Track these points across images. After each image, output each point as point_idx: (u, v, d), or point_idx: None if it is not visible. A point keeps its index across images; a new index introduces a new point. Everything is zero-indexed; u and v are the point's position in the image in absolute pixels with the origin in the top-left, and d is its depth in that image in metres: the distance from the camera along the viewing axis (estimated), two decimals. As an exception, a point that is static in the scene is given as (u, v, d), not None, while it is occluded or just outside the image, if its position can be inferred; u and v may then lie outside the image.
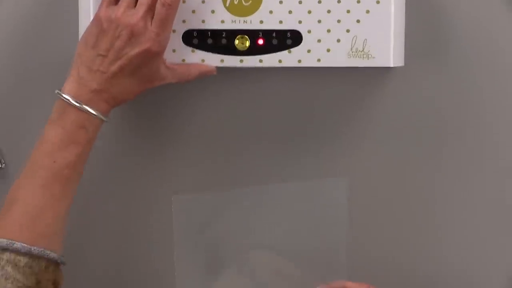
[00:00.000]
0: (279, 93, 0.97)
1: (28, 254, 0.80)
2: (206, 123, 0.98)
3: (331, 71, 0.93)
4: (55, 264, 0.83)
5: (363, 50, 0.90)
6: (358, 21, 0.90)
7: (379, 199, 0.98)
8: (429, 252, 0.99)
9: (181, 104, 0.97)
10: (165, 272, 0.97)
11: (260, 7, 0.90)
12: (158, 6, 0.85)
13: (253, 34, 0.90)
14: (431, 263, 0.99)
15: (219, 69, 0.91)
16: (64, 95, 0.84)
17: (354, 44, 0.90)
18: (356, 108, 0.97)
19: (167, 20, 0.86)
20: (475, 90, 0.96)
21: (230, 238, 0.95)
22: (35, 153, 0.84)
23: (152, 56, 0.86)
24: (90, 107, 0.85)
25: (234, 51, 0.91)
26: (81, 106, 0.84)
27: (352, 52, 0.90)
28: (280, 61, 0.91)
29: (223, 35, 0.90)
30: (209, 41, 0.91)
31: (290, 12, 0.90)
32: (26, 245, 0.80)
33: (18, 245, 0.80)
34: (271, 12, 0.90)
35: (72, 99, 0.84)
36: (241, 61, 0.91)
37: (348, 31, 0.90)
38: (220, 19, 0.90)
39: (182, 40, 0.90)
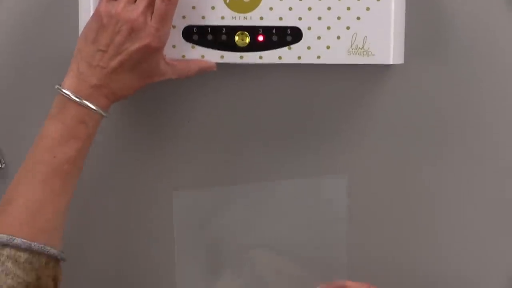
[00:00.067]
0: (279, 90, 0.97)
1: (28, 250, 0.80)
2: (206, 119, 0.98)
3: (331, 68, 0.93)
4: (55, 260, 0.83)
5: (363, 47, 0.90)
6: (358, 18, 0.90)
7: (379, 196, 0.98)
8: (429, 252, 0.99)
9: (181, 100, 0.97)
10: (165, 268, 0.97)
11: (260, 4, 0.90)
12: (158, 1, 0.85)
13: (253, 31, 0.90)
14: (431, 262, 0.99)
15: (219, 65, 0.91)
16: (64, 90, 0.84)
17: (354, 41, 0.90)
18: (355, 105, 0.97)
19: (167, 15, 0.86)
20: (475, 88, 0.96)
21: (230, 235, 0.96)
22: (35, 149, 0.84)
23: (152, 51, 0.86)
24: (90, 102, 0.85)
25: (234, 47, 0.91)
26: (81, 101, 0.84)
27: (352, 49, 0.90)
28: (280, 57, 0.91)
29: (223, 31, 0.90)
30: (209, 37, 0.90)
31: (290, 8, 0.90)
32: (26, 240, 0.80)
33: (18, 240, 0.80)
34: (271, 8, 0.90)
35: (72, 94, 0.84)
36: (241, 57, 0.91)
37: (348, 28, 0.90)
38: (220, 15, 0.90)
39: (182, 36, 0.90)
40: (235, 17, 0.90)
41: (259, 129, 0.98)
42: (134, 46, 0.85)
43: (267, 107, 0.97)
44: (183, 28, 0.90)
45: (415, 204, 0.98)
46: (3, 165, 0.99)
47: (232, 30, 0.90)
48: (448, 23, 0.95)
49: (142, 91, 0.89)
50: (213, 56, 0.91)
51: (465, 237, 0.98)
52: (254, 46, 0.91)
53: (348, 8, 0.90)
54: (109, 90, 0.86)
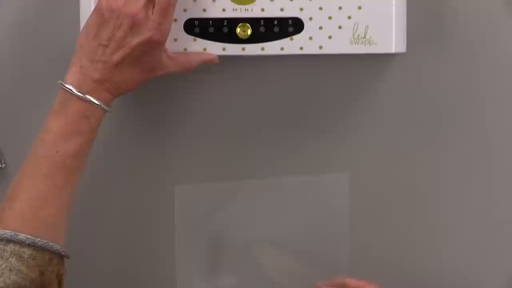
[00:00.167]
0: (282, 81, 0.97)
1: (32, 245, 0.80)
2: (209, 112, 0.98)
3: (333, 58, 0.93)
4: (59, 256, 0.83)
5: (365, 36, 0.90)
6: (359, 7, 0.90)
7: (381, 191, 0.98)
8: (429, 251, 0.99)
9: (183, 93, 0.97)
10: (166, 262, 0.97)
11: (261, -5, 0.91)
12: (159, -5, 0.85)
13: (254, 22, 0.90)
14: (431, 262, 0.99)
15: (221, 57, 0.91)
16: (66, 85, 0.84)
17: (356, 30, 0.90)
18: (358, 94, 0.97)
19: (168, 9, 0.86)
20: (478, 76, 0.96)
21: (231, 231, 0.95)
22: (38, 144, 0.84)
23: (154, 45, 0.86)
24: (93, 97, 0.85)
25: (236, 39, 0.90)
26: (84, 96, 0.84)
27: (354, 38, 0.90)
28: (282, 48, 0.91)
29: (225, 24, 0.90)
30: (211, 29, 0.90)
31: (291, -1, 0.91)
32: (30, 236, 0.80)
33: (22, 236, 0.80)
34: (272, -1, 0.91)
35: (75, 89, 0.84)
36: (243, 49, 0.91)
37: (349, 17, 0.90)
38: (221, 8, 0.90)
39: (184, 29, 0.90)
40: (236, 9, 0.90)
41: (262, 121, 0.98)
42: (136, 40, 0.85)
43: (270, 98, 0.97)
44: (184, 21, 0.90)
45: (417, 200, 0.98)
46: (3, 165, 0.99)
47: (234, 22, 0.90)
48: (450, 10, 0.95)
49: (145, 85, 0.89)
50: (215, 48, 0.91)
51: (465, 236, 0.98)
52: (255, 38, 0.90)
53: (349, -3, 0.90)
54: (112, 85, 0.86)
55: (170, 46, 0.89)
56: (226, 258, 0.95)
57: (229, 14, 0.90)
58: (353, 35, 0.90)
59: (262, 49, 0.91)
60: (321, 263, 0.95)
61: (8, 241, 0.80)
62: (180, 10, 0.90)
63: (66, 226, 0.85)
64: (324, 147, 0.98)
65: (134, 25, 0.84)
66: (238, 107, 0.98)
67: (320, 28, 0.90)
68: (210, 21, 0.90)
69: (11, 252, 0.80)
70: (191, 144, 0.98)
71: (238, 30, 0.90)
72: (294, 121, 0.97)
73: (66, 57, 0.86)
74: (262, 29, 0.90)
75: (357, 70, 0.96)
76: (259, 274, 0.95)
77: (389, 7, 0.90)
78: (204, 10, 0.90)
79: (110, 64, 0.85)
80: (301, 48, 0.91)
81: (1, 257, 0.79)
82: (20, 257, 0.80)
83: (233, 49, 0.91)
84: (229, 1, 0.90)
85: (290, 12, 0.90)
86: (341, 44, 0.90)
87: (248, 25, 0.90)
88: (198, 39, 0.91)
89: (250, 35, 0.90)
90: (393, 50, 0.91)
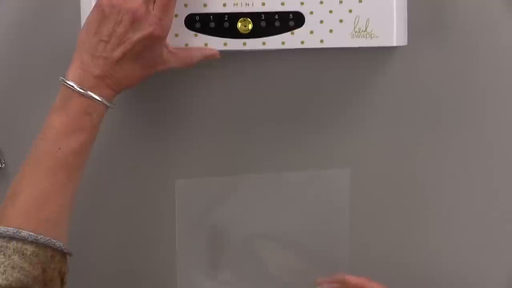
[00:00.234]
0: (283, 75, 0.97)
1: (35, 242, 0.80)
2: (210, 107, 0.98)
3: (334, 52, 0.93)
4: (61, 254, 0.83)
5: (366, 30, 0.90)
6: (360, 1, 0.90)
7: (380, 181, 0.98)
8: (429, 251, 0.99)
9: (184, 88, 0.97)
10: (167, 257, 0.97)
11: (262, -11, 0.91)
12: (159, -10, 0.85)
13: (255, 17, 0.90)
14: (431, 262, 0.99)
15: (222, 52, 0.91)
16: (68, 82, 0.84)
17: (357, 24, 0.90)
18: (360, 88, 0.97)
19: (169, 4, 0.86)
20: (478, 69, 0.96)
21: (231, 226, 0.95)
22: (40, 141, 0.84)
23: (155, 40, 0.85)
24: (94, 93, 0.84)
25: (237, 34, 0.90)
26: (85, 92, 0.84)
27: (355, 32, 0.90)
28: (283, 43, 0.91)
29: (226, 18, 0.90)
30: (212, 24, 0.90)
31: (291, -7, 0.90)
32: (32, 233, 0.80)
33: (24, 233, 0.80)
34: (272, -7, 0.91)
35: (76, 86, 0.84)
36: (244, 44, 0.91)
37: (350, 11, 0.90)
38: (222, 2, 0.90)
39: (185, 24, 0.90)
40: (237, 4, 0.90)
41: (263, 116, 0.98)
42: (137, 35, 0.84)
43: (271, 93, 0.97)
44: (185, 16, 0.90)
45: (418, 196, 0.98)
46: (3, 165, 0.99)
47: (234, 17, 0.90)
48: (451, 4, 0.95)
49: (145, 81, 0.89)
50: (216, 43, 0.91)
51: (465, 236, 0.98)
52: (256, 32, 0.90)
53: (350, -9, 0.90)
54: (113, 81, 0.86)
55: (171, 41, 0.89)
56: (226, 253, 0.95)
57: (230, 9, 0.90)
58: (354, 28, 0.90)
59: (263, 43, 0.91)
60: (321, 258, 0.95)
61: (11, 238, 0.80)
62: (181, 5, 0.90)
63: (68, 224, 0.84)
64: (325, 141, 0.98)
65: (135, 21, 0.84)
66: (239, 102, 0.97)
67: (321, 22, 0.90)
68: (211, 16, 0.90)
69: (13, 249, 0.79)
70: (192, 139, 0.98)
71: (239, 25, 0.90)
72: (295, 116, 0.97)
73: (66, 57, 0.86)
74: (263, 23, 0.90)
75: (358, 63, 0.96)
76: (259, 269, 0.95)
77: (390, 0, 0.90)
78: (205, 5, 0.90)
79: (111, 60, 0.85)
80: (302, 42, 0.90)
81: (4, 254, 0.79)
82: (23, 254, 0.79)
83: (234, 44, 0.91)
84: (230, -5, 0.91)
85: (290, 6, 0.90)
86: (342, 38, 0.90)
87: (249, 19, 0.90)
88: (199, 34, 0.91)
89: (251, 29, 0.90)
90: (394, 43, 0.91)
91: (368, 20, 0.90)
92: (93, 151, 0.86)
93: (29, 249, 0.80)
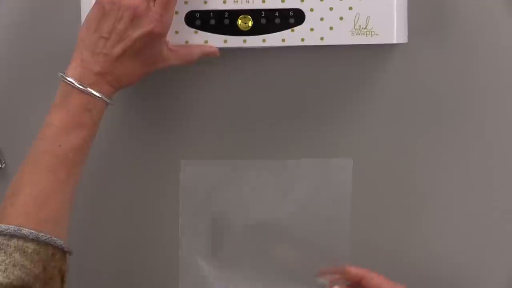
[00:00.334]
0: (283, 72, 0.97)
1: (35, 240, 0.80)
2: (210, 105, 0.98)
3: (334, 49, 0.93)
4: (62, 252, 0.82)
5: (366, 27, 0.90)
6: (360, -2, 0.90)
7: (380, 177, 0.98)
8: (429, 251, 0.98)
9: (184, 85, 0.97)
10: (169, 244, 0.96)
11: (262, -14, 0.91)
12: (160, -13, 0.85)
13: (255, 14, 0.90)
14: (431, 262, 0.98)
15: (222, 49, 0.91)
16: (68, 78, 0.84)
17: (357, 21, 0.90)
18: (360, 85, 0.97)
19: (169, 1, 0.86)
20: (478, 66, 0.96)
21: (233, 211, 0.94)
22: (40, 138, 0.84)
23: (155, 37, 0.85)
24: (94, 90, 0.84)
25: (237, 31, 0.90)
26: (85, 89, 0.84)
27: (355, 29, 0.90)
28: (283, 40, 0.91)
29: (226, 15, 0.90)
30: (212, 21, 0.90)
31: (292, -10, 0.91)
32: (33, 231, 0.80)
33: (25, 231, 0.80)
34: (273, -9, 0.91)
35: (76, 82, 0.84)
36: (245, 41, 0.91)
37: (350, 8, 0.90)
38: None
39: (185, 22, 0.90)
40: (237, 1, 0.90)
41: (263, 113, 0.98)
42: (137, 32, 0.84)
43: (271, 90, 0.97)
44: (185, 13, 0.90)
45: (418, 193, 0.98)
46: (3, 165, 0.99)
47: (235, 14, 0.90)
48: (451, 1, 0.94)
49: (146, 78, 0.89)
50: (217, 40, 0.91)
51: (465, 236, 0.98)
52: (257, 30, 0.90)
53: (350, -12, 0.90)
54: (113, 77, 0.86)
55: (171, 38, 0.89)
56: (227, 240, 0.95)
57: (230, 6, 0.90)
58: (354, 26, 0.90)
59: (264, 40, 0.91)
60: (322, 246, 0.94)
61: (12, 236, 0.80)
62: (181, 2, 0.90)
63: (68, 222, 0.84)
64: (325, 139, 0.98)
65: (135, 18, 0.84)
66: (240, 100, 0.97)
67: (321, 19, 0.90)
68: (211, 13, 0.90)
69: (14, 247, 0.79)
70: (193, 136, 0.98)
71: (239, 22, 0.90)
72: (295, 113, 0.97)
73: (66, 57, 0.86)
74: (263, 20, 0.90)
75: (359, 61, 0.96)
76: (260, 254, 0.95)
77: (390, -3, 0.91)
78: (205, 2, 0.90)
79: (111, 57, 0.85)
80: (302, 40, 0.90)
81: (5, 252, 0.79)
82: (24, 252, 0.79)
83: (234, 41, 0.91)
84: (230, -8, 0.91)
85: (291, 3, 0.90)
86: (342, 35, 0.90)
87: (249, 17, 0.90)
88: (199, 32, 0.91)
89: (251, 27, 0.90)
90: (394, 40, 0.91)
91: (368, 17, 0.90)
92: (93, 148, 0.86)
93: (30, 247, 0.80)
